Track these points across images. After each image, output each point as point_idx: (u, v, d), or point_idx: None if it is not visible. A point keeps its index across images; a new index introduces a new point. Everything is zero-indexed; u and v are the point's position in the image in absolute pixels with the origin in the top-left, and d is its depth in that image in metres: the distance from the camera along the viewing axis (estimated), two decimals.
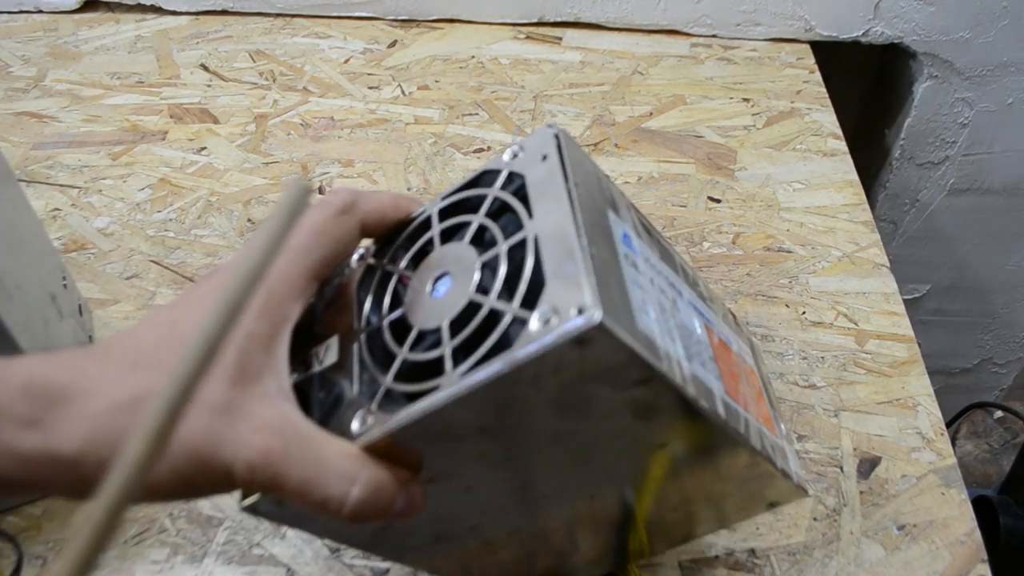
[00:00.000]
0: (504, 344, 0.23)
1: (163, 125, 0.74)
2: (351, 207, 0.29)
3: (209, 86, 0.79)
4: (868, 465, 0.48)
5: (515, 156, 0.27)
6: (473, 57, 0.83)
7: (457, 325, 0.25)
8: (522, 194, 0.26)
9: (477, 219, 0.27)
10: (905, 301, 0.68)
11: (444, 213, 0.28)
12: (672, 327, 0.27)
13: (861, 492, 0.47)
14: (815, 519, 0.45)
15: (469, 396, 0.24)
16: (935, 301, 1.05)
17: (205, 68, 0.82)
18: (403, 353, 0.26)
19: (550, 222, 0.25)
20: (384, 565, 0.43)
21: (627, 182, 0.68)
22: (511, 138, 0.72)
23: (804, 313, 0.57)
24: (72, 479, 0.24)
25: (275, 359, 0.26)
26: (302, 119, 0.75)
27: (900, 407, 0.51)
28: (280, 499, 0.26)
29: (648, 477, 0.31)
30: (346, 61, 0.82)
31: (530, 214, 0.25)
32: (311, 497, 0.25)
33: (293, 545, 0.44)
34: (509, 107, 0.76)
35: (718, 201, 0.66)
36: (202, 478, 0.25)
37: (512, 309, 0.24)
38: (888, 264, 0.61)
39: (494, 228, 0.26)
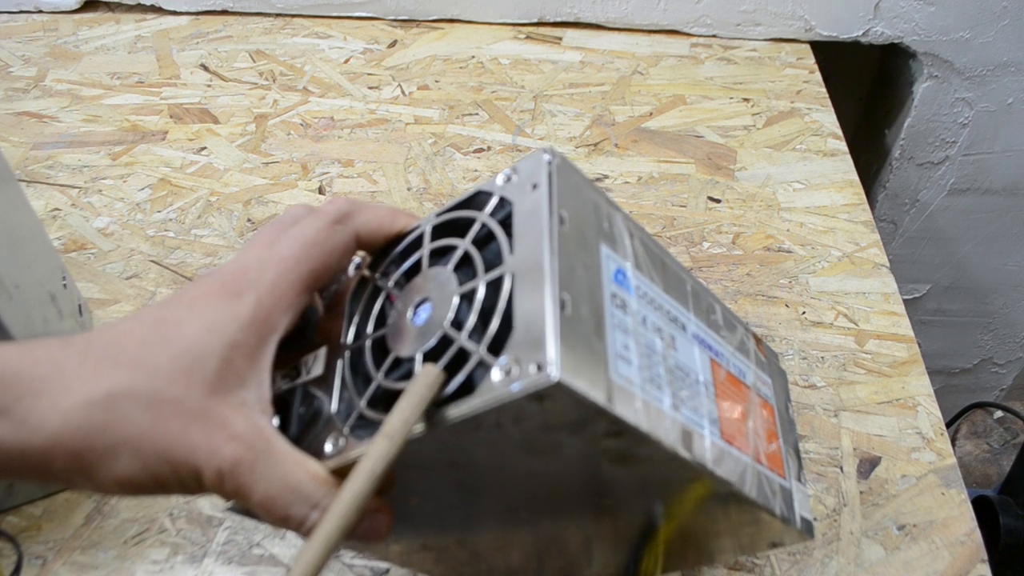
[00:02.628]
0: (469, 386, 0.23)
1: (163, 125, 0.74)
2: (347, 217, 0.28)
3: (209, 86, 0.79)
4: (868, 465, 0.48)
5: (508, 180, 0.27)
6: (473, 57, 0.83)
7: (430, 357, 0.25)
8: (508, 223, 0.26)
9: (463, 245, 0.26)
10: (905, 301, 0.68)
11: (436, 232, 0.28)
12: (661, 372, 0.26)
13: (861, 492, 0.47)
14: (815, 519, 0.45)
15: (430, 436, 0.24)
16: (935, 301, 1.05)
17: (205, 68, 0.82)
18: (378, 379, 0.26)
19: (528, 261, 0.24)
20: (384, 565, 0.43)
21: (627, 182, 0.68)
22: (511, 138, 0.72)
23: (804, 313, 0.57)
24: (39, 470, 0.24)
25: (258, 371, 0.26)
26: (302, 119, 0.75)
27: (900, 407, 0.51)
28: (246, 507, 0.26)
29: (635, 516, 0.31)
30: (346, 61, 0.82)
31: (511, 248, 0.25)
32: (273, 513, 0.25)
33: (293, 545, 0.44)
34: (509, 107, 0.76)
35: (718, 201, 0.66)
36: (172, 478, 0.25)
37: (479, 352, 0.24)
38: (888, 264, 0.61)
39: (477, 257, 0.26)
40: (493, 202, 0.27)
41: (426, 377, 0.24)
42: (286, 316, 0.27)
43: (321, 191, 0.67)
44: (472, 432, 0.24)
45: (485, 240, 0.26)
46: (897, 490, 0.47)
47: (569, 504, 0.30)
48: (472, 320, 0.24)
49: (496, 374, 0.23)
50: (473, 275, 0.25)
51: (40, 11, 0.91)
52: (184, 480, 0.25)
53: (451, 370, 0.24)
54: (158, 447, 0.24)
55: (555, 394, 0.22)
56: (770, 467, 0.30)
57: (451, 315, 0.25)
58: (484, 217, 0.26)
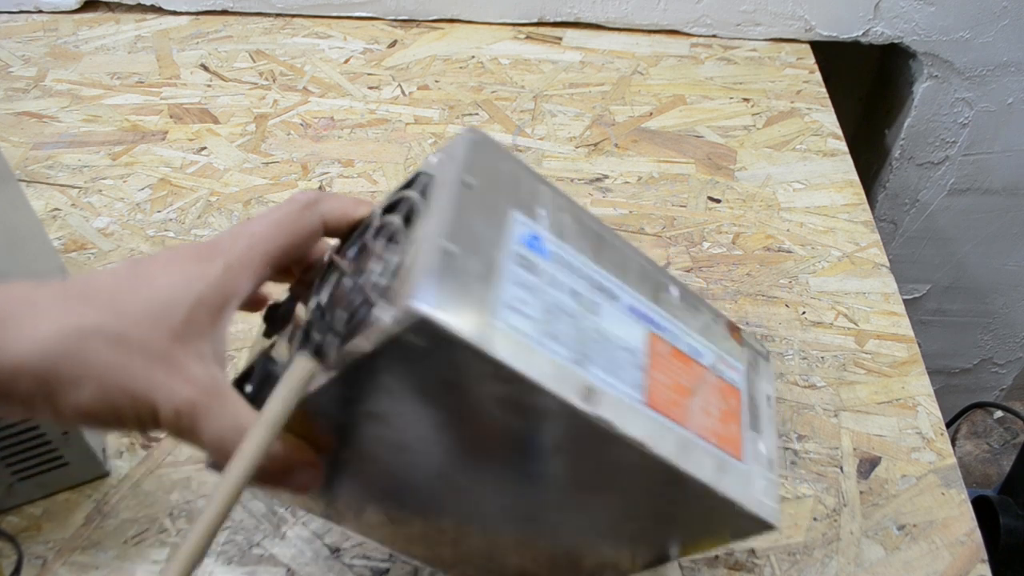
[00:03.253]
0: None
1: (163, 125, 0.74)
2: (313, 204, 0.31)
3: (209, 86, 0.79)
4: (868, 465, 0.48)
5: (438, 160, 0.29)
6: (473, 57, 0.83)
7: (335, 303, 0.28)
8: (428, 195, 0.28)
9: (396, 220, 0.28)
10: (905, 301, 0.68)
11: (384, 212, 0.30)
12: (567, 330, 0.27)
13: (861, 492, 0.47)
14: (815, 519, 0.45)
15: (336, 382, 0.26)
16: (935, 301, 1.05)
17: (205, 68, 0.82)
18: (314, 336, 0.28)
19: (431, 222, 0.26)
20: (384, 565, 0.43)
21: (627, 182, 0.68)
22: (511, 138, 0.72)
23: (804, 313, 0.57)
24: (3, 390, 0.26)
25: (218, 328, 0.29)
26: (302, 119, 0.75)
27: (900, 407, 0.51)
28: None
29: (563, 482, 0.31)
30: (346, 61, 0.82)
31: (425, 215, 0.27)
32: (222, 452, 0.28)
33: (293, 545, 0.44)
34: (509, 107, 0.76)
35: (718, 201, 0.66)
36: (131, 412, 0.27)
37: (372, 298, 0.25)
38: (888, 264, 0.61)
39: (401, 229, 0.28)
40: (422, 180, 0.29)
41: (299, 368, 0.27)
42: (249, 283, 0.30)
43: (321, 191, 0.67)
44: (372, 376, 0.26)
45: (411, 215, 0.28)
46: (897, 490, 0.47)
47: (497, 471, 0.31)
48: (379, 277, 0.26)
49: (376, 314, 0.24)
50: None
51: (40, 11, 0.91)
52: (141, 415, 0.27)
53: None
54: (121, 381, 0.27)
55: (424, 329, 0.23)
56: (720, 445, 0.30)
57: (366, 276, 0.27)
58: (411, 193, 0.28)
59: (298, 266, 0.33)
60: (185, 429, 0.28)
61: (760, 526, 0.30)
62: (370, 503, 0.36)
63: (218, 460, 0.28)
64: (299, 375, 0.27)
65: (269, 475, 0.29)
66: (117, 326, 0.27)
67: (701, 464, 0.29)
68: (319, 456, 0.30)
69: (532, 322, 0.26)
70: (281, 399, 0.27)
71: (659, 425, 0.28)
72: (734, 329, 0.34)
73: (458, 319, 0.23)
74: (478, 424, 0.28)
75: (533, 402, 0.26)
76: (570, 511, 0.33)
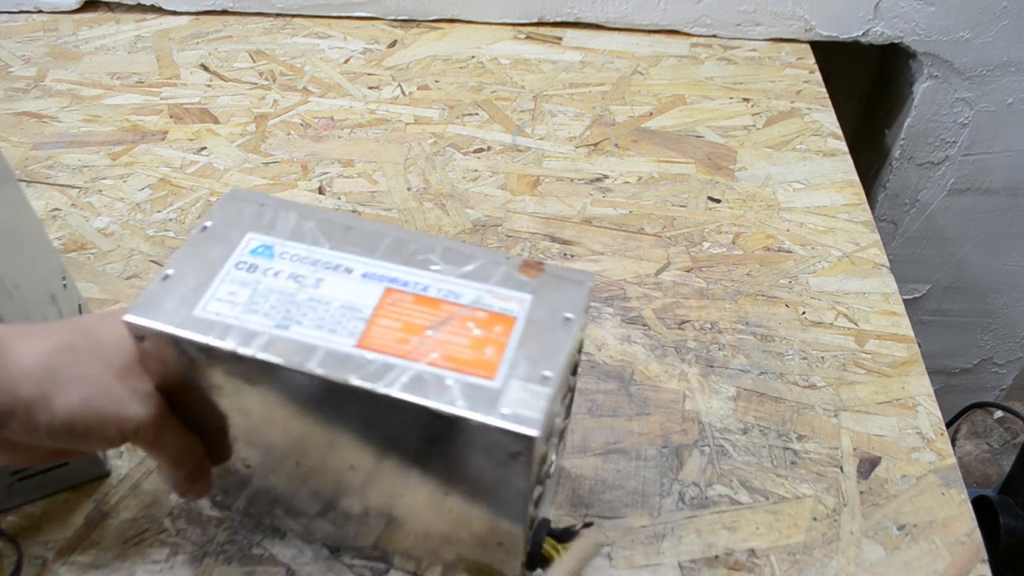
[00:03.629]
0: None
1: (163, 125, 0.74)
2: None
3: (209, 86, 0.79)
4: (868, 465, 0.48)
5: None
6: (473, 57, 0.83)
7: None
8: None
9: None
10: (905, 301, 0.68)
11: None
12: (276, 305, 0.34)
13: (861, 492, 0.47)
14: (815, 519, 0.45)
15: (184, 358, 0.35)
16: (935, 301, 1.05)
17: (205, 68, 0.82)
18: None
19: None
20: (384, 565, 0.43)
21: (627, 182, 0.68)
22: (511, 138, 0.72)
23: (804, 313, 0.57)
24: (7, 396, 0.32)
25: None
26: (302, 119, 0.75)
27: (900, 407, 0.51)
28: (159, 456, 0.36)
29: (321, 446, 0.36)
30: (346, 61, 0.82)
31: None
32: (182, 461, 0.37)
33: (293, 545, 0.44)
34: (509, 107, 0.76)
35: (718, 201, 0.66)
36: (112, 416, 0.34)
37: None
38: (888, 264, 0.61)
39: None
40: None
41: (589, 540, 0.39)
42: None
43: (321, 191, 0.67)
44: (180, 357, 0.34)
45: None
46: (897, 490, 0.47)
47: (289, 439, 0.37)
48: None
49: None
50: None
51: (40, 11, 0.91)
52: (121, 421, 0.34)
53: None
54: (104, 387, 0.33)
55: (135, 331, 0.33)
56: (458, 369, 0.31)
57: None
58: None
59: None
60: (157, 436, 0.35)
61: (512, 438, 0.30)
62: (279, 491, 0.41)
63: (175, 469, 0.37)
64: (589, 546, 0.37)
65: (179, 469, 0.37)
66: (96, 348, 0.34)
67: (425, 389, 0.31)
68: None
69: (236, 306, 0.34)
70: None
71: (364, 360, 0.32)
72: (531, 267, 0.35)
73: (147, 318, 0.33)
74: (244, 398, 0.35)
75: (228, 366, 0.33)
76: (373, 473, 0.36)
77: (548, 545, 0.38)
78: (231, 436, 0.38)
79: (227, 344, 0.32)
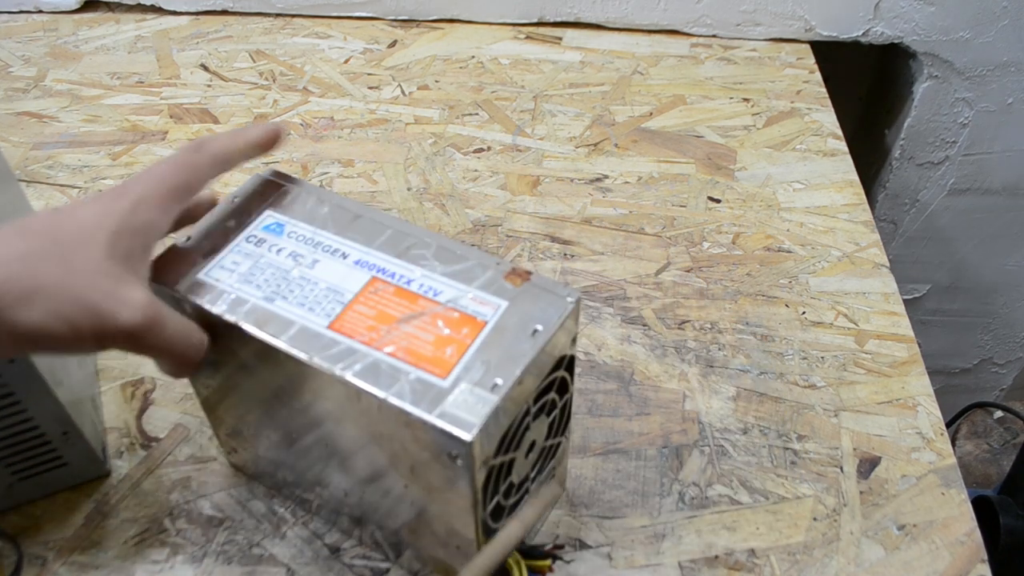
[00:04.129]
0: None
1: (163, 125, 0.74)
2: (201, 146, 0.36)
3: (209, 86, 0.79)
4: (868, 465, 0.48)
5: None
6: (473, 57, 0.83)
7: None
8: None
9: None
10: (905, 301, 0.68)
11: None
12: (271, 279, 0.35)
13: (861, 492, 0.47)
14: (815, 519, 0.45)
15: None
16: (935, 301, 1.05)
17: (205, 68, 0.82)
18: None
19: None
20: (384, 565, 0.43)
21: (627, 182, 0.68)
22: (511, 138, 0.72)
23: (804, 313, 0.57)
24: None
25: (141, 256, 0.33)
26: (302, 119, 0.75)
27: (900, 407, 0.51)
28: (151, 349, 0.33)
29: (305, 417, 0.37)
30: (346, 61, 0.82)
31: None
32: (184, 350, 0.34)
33: (293, 545, 0.44)
34: (509, 107, 0.76)
35: (718, 201, 0.66)
36: (87, 323, 0.30)
37: None
38: (888, 264, 0.61)
39: None
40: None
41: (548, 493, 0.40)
42: (161, 216, 0.34)
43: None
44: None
45: None
46: (897, 490, 0.47)
47: (268, 400, 0.38)
48: None
49: None
50: None
51: (40, 11, 0.90)
52: (99, 325, 0.30)
53: None
54: (72, 293, 0.30)
55: (156, 291, 0.35)
56: (414, 362, 0.32)
57: None
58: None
59: (196, 210, 0.39)
60: (148, 333, 0.31)
61: (447, 439, 0.31)
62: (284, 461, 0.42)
63: (176, 362, 0.34)
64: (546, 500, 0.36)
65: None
66: (56, 249, 0.30)
67: (380, 379, 0.32)
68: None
69: (235, 275, 0.35)
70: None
71: (330, 341, 0.33)
72: (517, 274, 0.35)
73: (161, 279, 0.35)
74: (234, 361, 0.37)
75: (229, 332, 0.34)
76: (344, 454, 0.38)
77: (512, 560, 0.38)
78: (230, 397, 0.40)
79: (215, 308, 0.34)
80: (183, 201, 0.35)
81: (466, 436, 0.30)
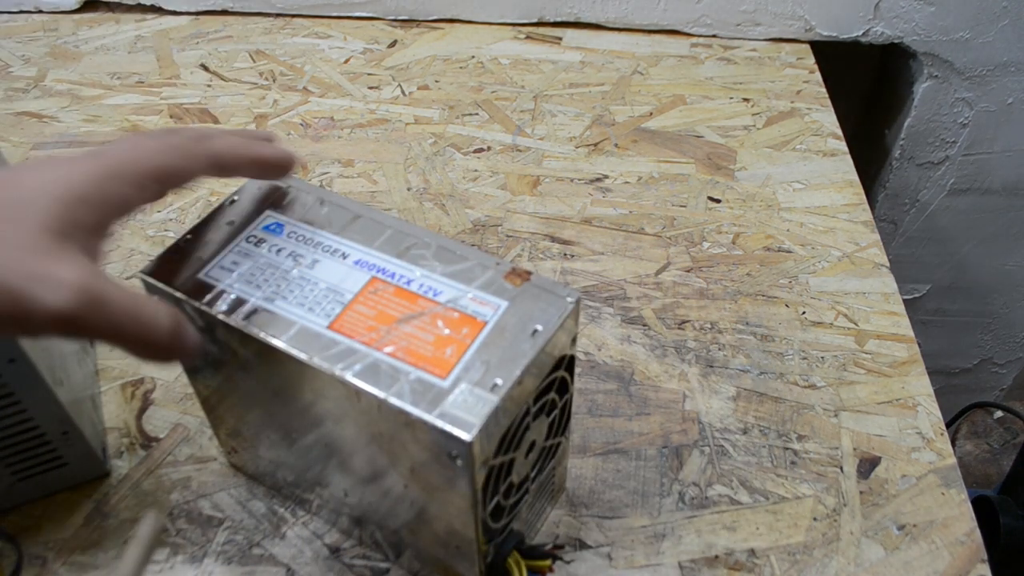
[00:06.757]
0: None
1: (163, 125, 0.74)
2: (205, 138, 0.33)
3: (209, 86, 0.79)
4: (868, 465, 0.48)
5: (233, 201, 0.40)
6: (473, 57, 0.83)
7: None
8: None
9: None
10: (905, 301, 0.68)
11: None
12: (268, 279, 0.36)
13: (861, 492, 0.47)
14: (815, 519, 0.45)
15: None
16: (935, 301, 1.05)
17: (205, 68, 0.82)
18: None
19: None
20: (384, 565, 0.43)
21: (627, 182, 0.68)
22: (511, 138, 0.72)
23: (804, 313, 0.57)
24: None
25: (97, 229, 0.29)
26: (302, 119, 0.75)
27: (900, 407, 0.51)
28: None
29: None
30: (346, 61, 0.82)
31: None
32: (136, 327, 0.28)
33: (293, 545, 0.44)
34: (509, 107, 0.76)
35: (718, 201, 0.66)
36: (11, 308, 0.25)
37: None
38: (888, 264, 0.61)
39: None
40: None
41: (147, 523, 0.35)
42: (134, 191, 0.30)
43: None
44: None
45: None
46: (897, 490, 0.47)
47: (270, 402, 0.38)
48: None
49: None
50: None
51: (40, 11, 0.90)
52: (22, 312, 0.26)
53: None
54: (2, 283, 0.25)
55: (144, 283, 0.36)
56: (414, 363, 0.32)
57: None
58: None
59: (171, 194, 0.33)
60: (84, 317, 0.26)
61: (447, 439, 0.31)
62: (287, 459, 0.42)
63: (135, 346, 0.29)
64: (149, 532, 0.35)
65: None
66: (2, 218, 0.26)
67: (378, 378, 0.32)
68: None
69: (235, 275, 0.36)
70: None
71: (330, 342, 0.33)
72: (517, 274, 0.35)
73: (162, 278, 0.35)
74: (232, 360, 0.37)
75: (228, 331, 0.35)
76: (344, 455, 0.38)
77: (512, 560, 0.38)
78: (230, 397, 0.40)
79: (215, 309, 0.34)
80: (164, 185, 0.32)
81: (466, 436, 0.30)
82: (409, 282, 0.35)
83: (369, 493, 0.39)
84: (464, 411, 0.30)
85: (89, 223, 0.28)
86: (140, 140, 0.31)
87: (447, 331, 0.33)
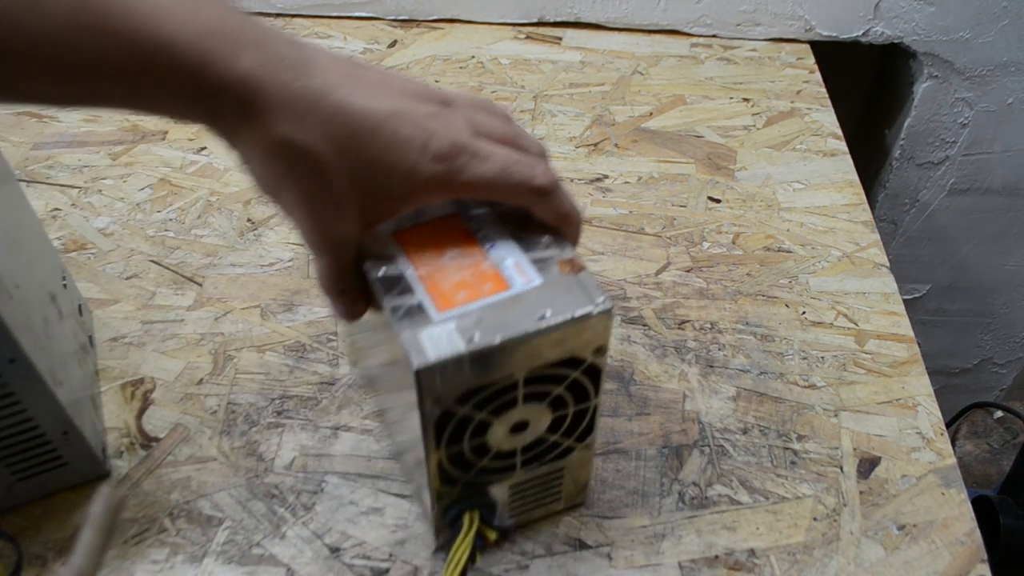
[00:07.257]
0: None
1: (163, 125, 0.74)
2: (547, 193, 0.35)
3: None
4: (868, 465, 0.48)
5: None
6: (473, 57, 0.83)
7: None
8: None
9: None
10: (905, 301, 0.68)
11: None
12: None
13: (861, 492, 0.47)
14: (815, 519, 0.45)
15: None
16: (935, 301, 1.05)
17: None
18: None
19: None
20: (384, 565, 0.43)
21: (627, 182, 0.68)
22: None
23: (804, 313, 0.57)
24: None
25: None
26: None
27: (900, 407, 0.51)
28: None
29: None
30: None
31: None
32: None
33: (293, 545, 0.44)
34: (509, 107, 0.76)
35: (718, 201, 0.66)
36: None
37: None
38: (888, 264, 0.61)
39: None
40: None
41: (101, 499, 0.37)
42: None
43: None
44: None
45: None
46: (897, 490, 0.47)
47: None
48: None
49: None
50: None
51: None
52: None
53: None
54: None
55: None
56: (428, 289, 0.34)
57: None
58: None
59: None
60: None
61: (406, 360, 0.32)
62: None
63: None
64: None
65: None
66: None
67: (390, 284, 0.34)
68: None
69: None
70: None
71: (390, 246, 0.36)
72: (569, 263, 0.36)
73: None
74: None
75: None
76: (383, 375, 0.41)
77: (469, 514, 0.39)
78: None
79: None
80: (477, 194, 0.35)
81: (415, 363, 0.31)
82: (479, 229, 0.37)
83: (397, 420, 0.41)
84: (431, 344, 0.32)
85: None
86: (521, 159, 0.35)
87: (475, 280, 0.35)
